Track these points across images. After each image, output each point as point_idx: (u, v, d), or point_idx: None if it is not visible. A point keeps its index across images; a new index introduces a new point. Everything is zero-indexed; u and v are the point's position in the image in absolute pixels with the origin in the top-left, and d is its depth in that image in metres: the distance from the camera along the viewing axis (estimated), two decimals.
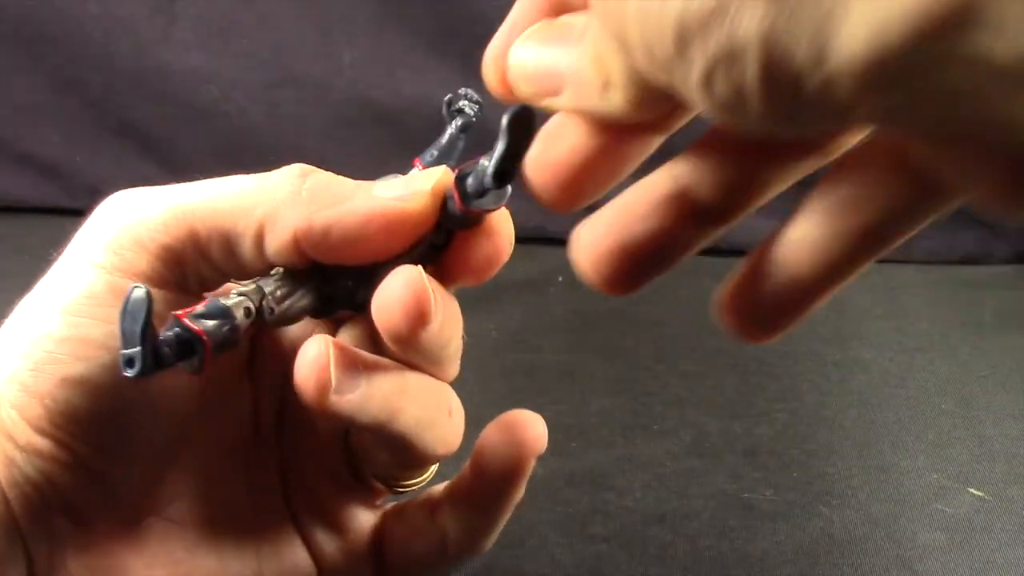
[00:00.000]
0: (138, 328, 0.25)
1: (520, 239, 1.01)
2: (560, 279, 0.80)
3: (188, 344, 0.26)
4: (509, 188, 0.28)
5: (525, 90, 0.25)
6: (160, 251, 0.29)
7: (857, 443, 0.58)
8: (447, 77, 0.89)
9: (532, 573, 0.47)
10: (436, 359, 0.30)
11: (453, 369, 0.31)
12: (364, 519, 0.35)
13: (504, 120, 0.25)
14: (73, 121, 0.93)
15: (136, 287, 0.26)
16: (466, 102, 0.33)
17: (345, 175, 0.92)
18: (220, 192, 0.29)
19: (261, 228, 0.29)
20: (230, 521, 0.32)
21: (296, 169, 0.30)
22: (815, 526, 0.50)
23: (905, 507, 0.52)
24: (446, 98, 0.33)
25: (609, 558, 0.48)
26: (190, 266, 0.29)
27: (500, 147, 0.26)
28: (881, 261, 0.81)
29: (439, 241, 0.30)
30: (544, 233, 0.87)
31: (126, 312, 0.26)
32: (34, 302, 0.29)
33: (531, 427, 0.31)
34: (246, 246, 0.29)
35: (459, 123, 0.34)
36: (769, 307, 0.25)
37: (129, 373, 0.25)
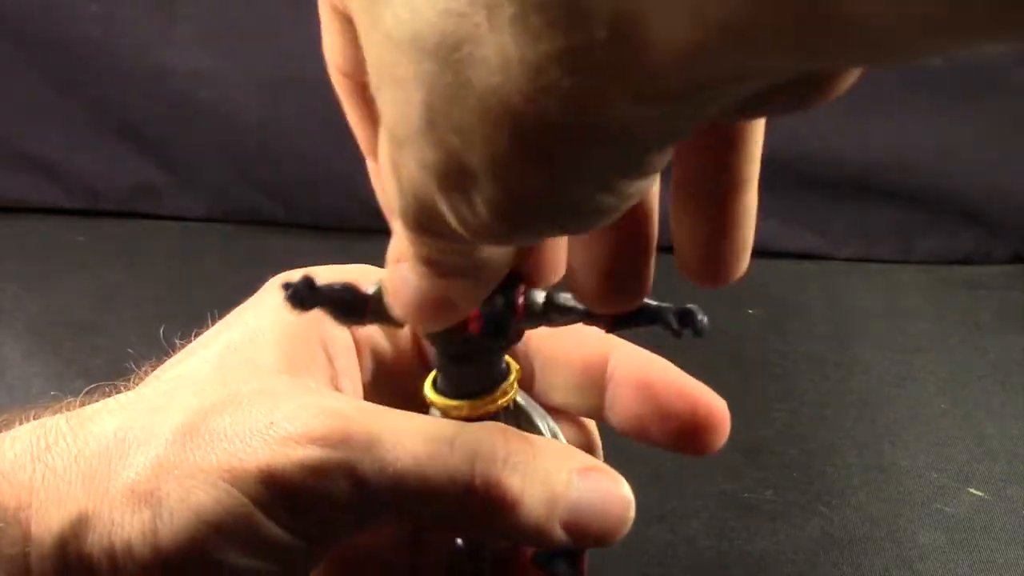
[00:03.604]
0: None
1: None
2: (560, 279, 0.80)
3: None
4: None
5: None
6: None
7: (857, 443, 0.58)
8: None
9: None
10: None
11: None
12: None
13: None
14: (73, 121, 0.93)
15: None
16: None
17: (345, 175, 0.92)
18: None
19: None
20: None
21: None
22: (815, 526, 0.50)
23: (905, 507, 0.52)
24: None
25: (609, 558, 0.48)
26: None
27: None
28: (881, 261, 0.82)
29: None
30: None
31: None
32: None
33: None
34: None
35: None
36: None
37: None
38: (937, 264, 0.85)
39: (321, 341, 0.31)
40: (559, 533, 0.28)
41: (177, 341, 0.32)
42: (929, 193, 0.86)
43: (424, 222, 0.21)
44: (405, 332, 0.33)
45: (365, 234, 0.92)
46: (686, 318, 0.27)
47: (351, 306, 0.28)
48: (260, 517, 0.26)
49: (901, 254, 0.86)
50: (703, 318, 0.27)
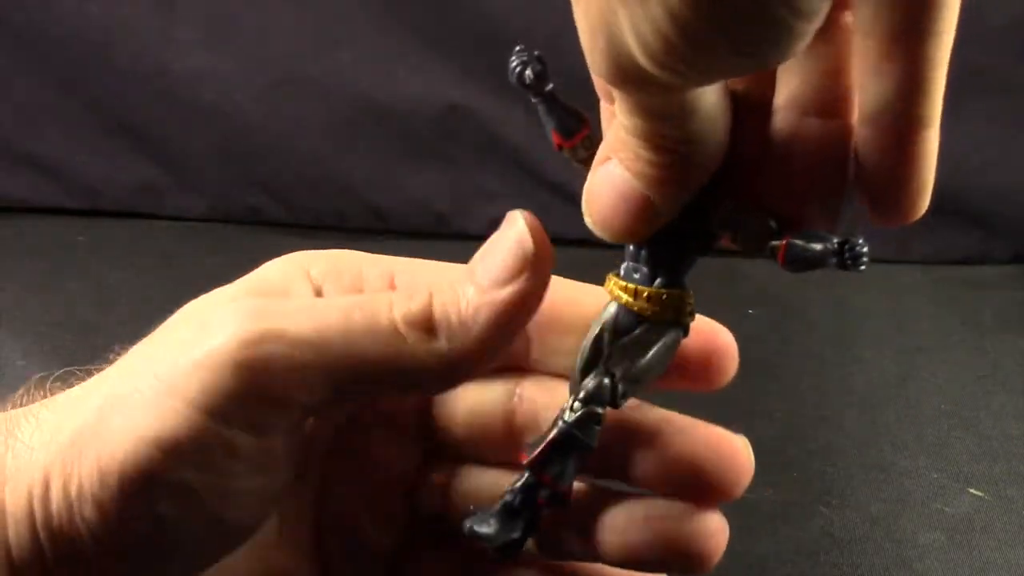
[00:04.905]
0: None
1: None
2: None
3: None
4: None
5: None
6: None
7: (857, 443, 0.58)
8: (447, 77, 0.89)
9: None
10: None
11: None
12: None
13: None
14: (73, 121, 0.93)
15: None
16: (527, 67, 0.28)
17: (345, 175, 0.92)
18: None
19: None
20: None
21: None
22: (815, 526, 0.50)
23: (905, 507, 0.52)
24: (517, 75, 0.28)
25: None
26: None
27: None
28: (881, 261, 0.81)
29: None
30: None
31: None
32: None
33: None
34: None
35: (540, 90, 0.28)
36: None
37: None
38: (937, 264, 0.85)
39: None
40: (492, 296, 0.27)
41: None
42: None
43: (614, 57, 0.21)
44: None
45: (365, 234, 0.93)
46: (848, 249, 0.26)
47: (572, 116, 0.28)
48: (205, 426, 0.25)
49: (901, 254, 0.86)
50: (861, 250, 0.26)
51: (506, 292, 0.27)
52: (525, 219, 0.28)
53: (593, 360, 0.29)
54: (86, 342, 0.68)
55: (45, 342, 0.68)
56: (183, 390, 0.25)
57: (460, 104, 0.89)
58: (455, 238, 0.89)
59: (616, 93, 0.24)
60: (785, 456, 0.56)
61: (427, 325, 0.27)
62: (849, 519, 0.51)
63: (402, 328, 0.27)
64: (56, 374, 0.30)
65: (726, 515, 0.52)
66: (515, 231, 0.28)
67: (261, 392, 0.26)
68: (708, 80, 0.22)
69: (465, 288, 0.28)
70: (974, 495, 0.53)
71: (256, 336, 0.26)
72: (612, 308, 0.29)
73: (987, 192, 0.86)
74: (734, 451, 0.32)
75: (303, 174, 0.93)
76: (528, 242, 0.27)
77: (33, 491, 0.26)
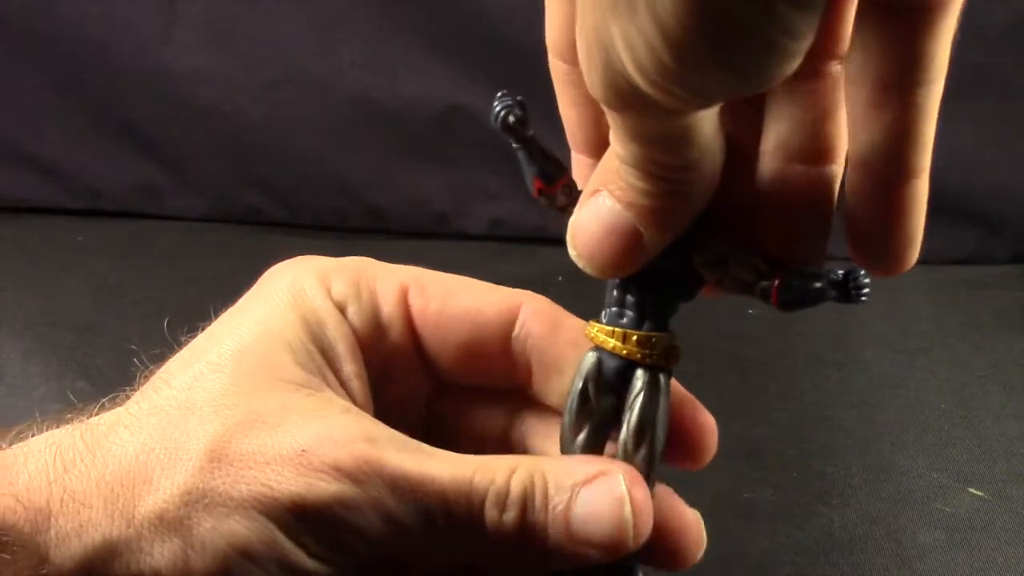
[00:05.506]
0: None
1: (520, 239, 1.00)
2: (560, 279, 0.80)
3: None
4: None
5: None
6: None
7: (857, 443, 0.58)
8: (447, 77, 0.89)
9: None
10: None
11: None
12: None
13: None
14: (73, 121, 0.93)
15: None
16: (511, 112, 0.28)
17: (345, 175, 0.92)
18: None
19: None
20: None
21: None
22: (815, 526, 0.50)
23: (905, 507, 0.52)
24: (501, 119, 0.28)
25: None
26: None
27: None
28: None
29: None
30: (544, 233, 0.87)
31: None
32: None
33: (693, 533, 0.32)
34: None
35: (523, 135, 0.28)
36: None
37: None
38: (937, 264, 0.85)
39: (329, 343, 0.30)
40: (579, 550, 0.28)
41: (181, 338, 0.31)
42: (929, 193, 0.86)
43: (611, 77, 0.21)
44: (400, 327, 0.32)
45: (365, 234, 0.93)
46: (849, 280, 0.26)
47: (552, 164, 0.28)
48: (288, 545, 0.26)
49: None
50: (864, 281, 0.26)
51: (596, 553, 0.28)
52: (629, 492, 0.28)
53: (582, 414, 0.30)
54: (86, 342, 0.68)
55: (45, 342, 0.67)
56: (273, 514, 0.26)
57: (460, 104, 0.89)
58: (455, 238, 0.89)
59: (613, 119, 0.24)
60: (785, 456, 0.56)
61: (513, 536, 0.28)
62: (849, 519, 0.51)
63: (490, 531, 0.27)
64: (102, 402, 0.30)
65: (727, 516, 0.52)
66: (616, 508, 0.28)
67: (339, 544, 0.27)
68: (702, 102, 0.22)
69: (557, 519, 0.28)
70: (974, 495, 0.53)
71: (347, 502, 0.27)
72: (591, 358, 0.30)
73: (987, 192, 0.86)
74: (685, 525, 0.32)
75: (303, 174, 0.93)
76: (628, 529, 0.28)
77: (89, 553, 0.26)
